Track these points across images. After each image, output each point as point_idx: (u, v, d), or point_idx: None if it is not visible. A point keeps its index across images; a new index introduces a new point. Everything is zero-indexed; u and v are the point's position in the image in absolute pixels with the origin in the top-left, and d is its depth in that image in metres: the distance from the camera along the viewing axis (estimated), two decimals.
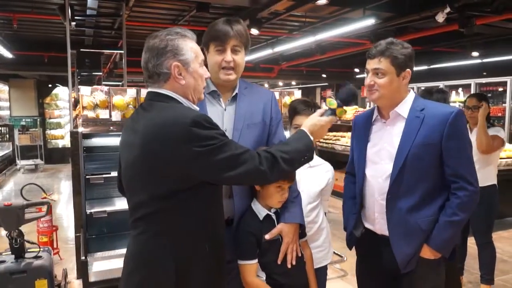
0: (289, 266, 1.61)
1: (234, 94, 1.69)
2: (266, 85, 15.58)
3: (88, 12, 5.55)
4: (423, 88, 7.63)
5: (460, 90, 8.69)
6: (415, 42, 5.29)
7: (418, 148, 1.61)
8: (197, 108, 1.42)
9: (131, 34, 6.74)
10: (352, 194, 1.89)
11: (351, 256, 3.85)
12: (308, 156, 1.45)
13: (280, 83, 15.47)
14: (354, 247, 1.93)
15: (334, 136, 7.06)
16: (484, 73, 9.23)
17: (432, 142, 1.61)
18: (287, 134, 2.09)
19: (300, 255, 1.67)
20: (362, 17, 5.17)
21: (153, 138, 1.27)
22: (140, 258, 1.34)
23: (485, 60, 8.62)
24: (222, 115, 1.66)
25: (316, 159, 2.01)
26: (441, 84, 9.07)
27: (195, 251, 1.34)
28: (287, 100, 3.91)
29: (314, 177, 1.95)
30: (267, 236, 1.59)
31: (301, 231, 1.73)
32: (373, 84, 1.66)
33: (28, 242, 2.50)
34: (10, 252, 2.47)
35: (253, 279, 1.58)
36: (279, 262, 1.60)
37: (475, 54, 7.87)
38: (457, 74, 9.14)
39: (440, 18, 4.21)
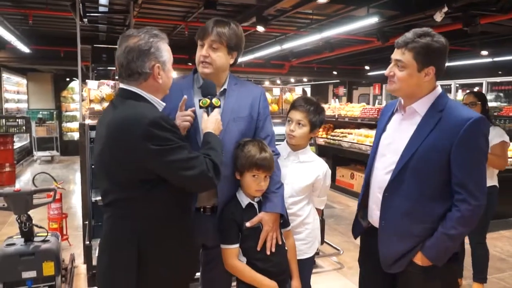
0: (268, 253, 1.69)
1: (222, 89, 1.76)
2: (278, 81, 15.62)
3: (100, 9, 5.71)
4: None
5: (476, 89, 8.56)
6: None
7: (426, 149, 1.53)
8: (163, 104, 1.52)
9: None
10: None
11: (347, 250, 3.94)
12: None
13: (292, 80, 15.47)
14: (356, 239, 1.91)
15: (342, 133, 7.02)
16: (500, 72, 9.10)
17: (442, 146, 1.52)
18: (282, 129, 2.16)
19: (280, 243, 1.74)
20: (366, 15, 5.20)
21: (115, 131, 1.37)
22: (108, 239, 1.46)
23: (496, 59, 8.46)
24: None
25: (310, 155, 2.03)
26: (452, 83, 8.98)
27: (159, 236, 1.43)
28: (288, 96, 4.00)
29: (302, 173, 1.95)
30: (247, 224, 1.67)
31: (284, 221, 1.80)
32: (393, 75, 1.61)
33: (37, 226, 2.63)
34: (20, 236, 2.62)
35: (234, 261, 1.67)
36: (258, 249, 1.68)
37: (484, 53, 7.73)
38: (468, 73, 9.03)
39: (438, 17, 4.18)
